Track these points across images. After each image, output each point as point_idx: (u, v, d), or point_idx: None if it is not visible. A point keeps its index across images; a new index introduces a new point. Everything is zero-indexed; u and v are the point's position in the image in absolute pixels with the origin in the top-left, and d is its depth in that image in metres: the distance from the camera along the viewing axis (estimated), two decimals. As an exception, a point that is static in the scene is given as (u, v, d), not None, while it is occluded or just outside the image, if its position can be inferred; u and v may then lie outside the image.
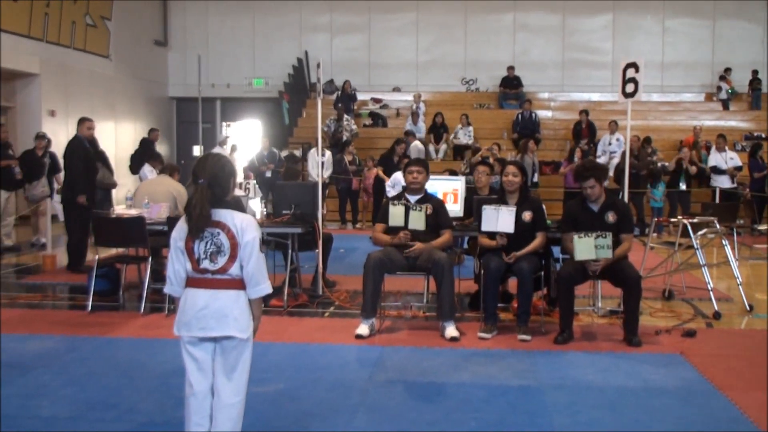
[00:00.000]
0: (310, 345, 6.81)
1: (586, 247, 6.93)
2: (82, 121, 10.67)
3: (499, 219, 7.30)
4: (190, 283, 3.94)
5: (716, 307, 8.17)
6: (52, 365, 6.13)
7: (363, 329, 7.09)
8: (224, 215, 3.91)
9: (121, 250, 9.05)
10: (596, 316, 8.08)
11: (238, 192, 9.12)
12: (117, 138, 21.45)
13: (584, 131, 19.94)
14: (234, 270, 3.89)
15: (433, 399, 5.41)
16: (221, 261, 3.88)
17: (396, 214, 7.42)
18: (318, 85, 9.12)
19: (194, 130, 23.60)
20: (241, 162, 19.27)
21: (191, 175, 4.01)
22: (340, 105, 20.52)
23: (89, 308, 8.14)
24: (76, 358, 6.35)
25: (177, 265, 3.95)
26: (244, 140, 21.78)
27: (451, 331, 7.04)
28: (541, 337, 7.12)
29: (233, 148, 20.05)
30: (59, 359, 6.31)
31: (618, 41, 23.47)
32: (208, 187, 3.87)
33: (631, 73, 8.37)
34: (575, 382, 5.81)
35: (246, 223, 3.92)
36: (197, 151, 22.58)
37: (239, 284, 3.93)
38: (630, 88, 8.39)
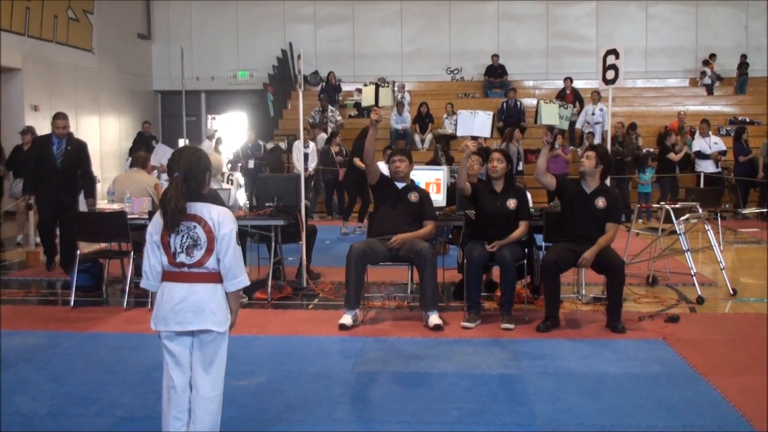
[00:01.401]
0: (293, 337, 6.80)
1: (551, 112, 7.06)
2: (53, 119, 10.06)
3: (476, 122, 7.29)
4: (167, 277, 3.92)
5: (699, 292, 8.18)
6: (33, 361, 6.10)
7: (346, 320, 7.07)
8: (200, 208, 3.89)
9: (103, 245, 9.00)
10: (580, 303, 8.10)
11: (224, 185, 9.09)
12: (101, 132, 21.35)
13: (569, 98, 19.93)
14: (211, 263, 3.88)
15: (416, 389, 5.41)
16: (198, 254, 3.87)
17: (367, 94, 7.43)
18: (299, 77, 9.12)
19: (180, 123, 23.43)
20: (226, 154, 19.22)
21: (167, 168, 3.99)
22: (323, 95, 20.46)
23: (72, 303, 8.12)
24: (58, 354, 6.33)
25: (153, 259, 3.93)
26: (230, 133, 21.70)
27: (434, 319, 7.04)
28: (524, 326, 7.12)
29: (218, 141, 19.97)
30: (40, 355, 6.28)
31: (602, 28, 23.44)
32: (183, 180, 3.85)
33: (611, 59, 8.38)
34: (557, 369, 5.82)
35: (222, 216, 3.91)
36: (183, 144, 22.50)
37: (216, 278, 3.92)
38: (611, 74, 8.40)
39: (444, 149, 16.57)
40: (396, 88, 7.50)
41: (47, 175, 9.77)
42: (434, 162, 14.51)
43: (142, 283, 4.02)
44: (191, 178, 3.87)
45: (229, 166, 18.35)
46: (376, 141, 7.38)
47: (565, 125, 7.28)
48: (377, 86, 7.30)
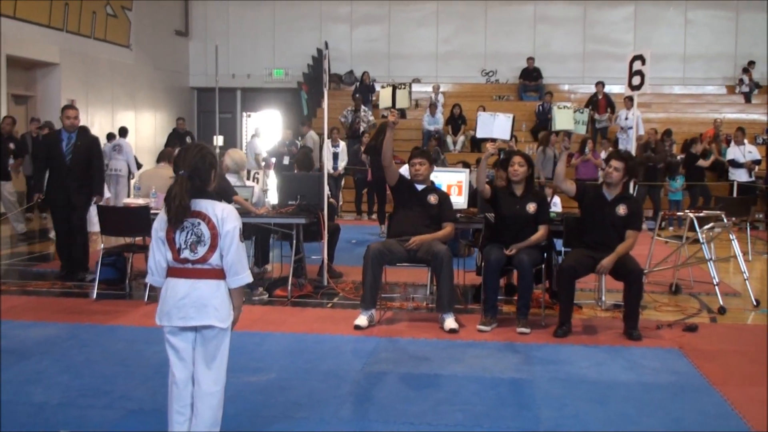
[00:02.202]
0: (307, 335, 6.85)
1: (566, 117, 7.01)
2: (63, 110, 9.47)
3: (495, 124, 7.28)
4: (171, 273, 3.98)
5: (721, 302, 8.11)
6: (50, 352, 6.19)
7: (362, 320, 7.10)
8: (205, 205, 3.94)
9: (128, 239, 9.10)
10: (599, 309, 8.06)
11: (248, 183, 9.15)
12: (137, 128, 21.59)
13: (601, 102, 19.83)
14: (214, 260, 3.92)
15: (423, 390, 5.42)
16: (201, 251, 3.91)
17: (384, 96, 7.49)
18: (325, 76, 9.16)
19: (215, 120, 23.75)
20: (263, 147, 19.41)
21: (173, 165, 4.03)
22: (357, 95, 20.51)
23: (95, 296, 8.23)
24: (75, 345, 6.42)
25: (158, 255, 3.99)
26: (264, 130, 21.91)
27: (450, 323, 7.05)
28: (540, 330, 7.11)
29: (256, 133, 20.24)
30: (58, 346, 6.38)
31: (639, 33, 23.27)
32: (188, 178, 3.89)
33: (638, 65, 8.33)
34: (568, 375, 5.80)
35: (226, 213, 3.95)
36: (219, 141, 22.69)
37: (219, 274, 3.96)
38: (636, 80, 8.35)
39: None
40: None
41: (57, 173, 9.24)
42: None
43: (147, 278, 4.09)
44: (196, 175, 3.91)
45: (263, 163, 18.54)
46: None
47: (582, 129, 7.24)
48: (394, 88, 7.33)
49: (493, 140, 7.42)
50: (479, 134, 7.51)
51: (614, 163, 7.15)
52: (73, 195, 9.18)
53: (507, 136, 7.29)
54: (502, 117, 7.25)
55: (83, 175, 9.26)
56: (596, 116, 19.62)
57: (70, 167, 9.16)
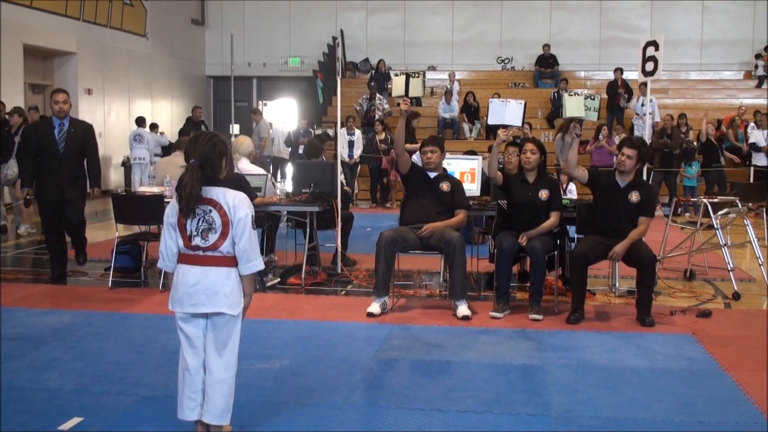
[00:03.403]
0: (321, 322, 6.87)
1: (576, 104, 6.99)
2: (52, 94, 8.63)
3: (507, 111, 7.26)
4: (182, 259, 4.01)
5: (736, 288, 8.09)
6: (65, 339, 6.25)
7: (374, 307, 7.12)
8: (216, 193, 3.96)
9: (143, 227, 9.14)
10: (613, 296, 8.05)
11: (258, 170, 9.17)
12: (153, 117, 21.59)
13: (621, 86, 19.77)
14: (225, 247, 3.95)
15: (435, 377, 5.45)
16: (212, 238, 3.94)
17: (397, 84, 7.48)
18: (338, 65, 9.17)
19: (231, 108, 23.79)
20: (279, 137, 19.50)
21: (184, 154, 4.04)
22: (373, 84, 20.49)
23: (110, 284, 8.29)
24: (90, 333, 6.48)
25: (169, 241, 4.02)
26: (279, 119, 21.95)
27: (462, 310, 7.06)
28: (553, 317, 7.11)
29: (270, 125, 20.32)
30: (73, 333, 6.44)
31: (656, 19, 23.13)
32: (199, 167, 3.91)
33: (651, 51, 8.28)
34: (580, 361, 5.80)
35: (238, 200, 3.97)
36: (234, 129, 22.74)
37: (231, 261, 3.99)
38: (650, 66, 8.30)
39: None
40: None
41: (48, 164, 8.38)
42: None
43: (159, 263, 4.13)
44: (207, 164, 3.92)
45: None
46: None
47: (593, 116, 7.19)
48: (408, 76, 7.32)
49: (505, 127, 7.40)
50: (491, 121, 7.50)
51: (626, 150, 7.12)
52: (66, 188, 8.42)
53: (519, 123, 7.27)
54: (513, 103, 7.23)
55: (78, 165, 8.56)
56: (622, 103, 19.53)
57: (63, 157, 8.39)
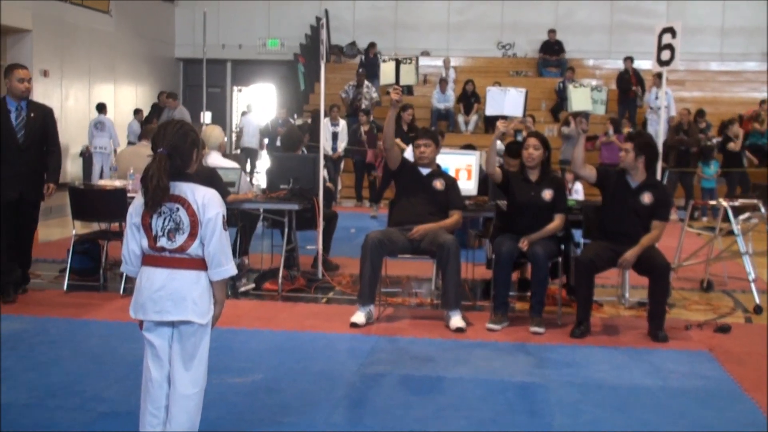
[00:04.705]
0: (299, 333, 6.86)
1: (582, 96, 7.01)
2: (10, 70, 7.71)
3: (506, 100, 7.27)
4: (147, 261, 3.97)
5: (758, 301, 8.11)
6: (17, 348, 6.20)
7: (359, 317, 7.10)
8: (185, 189, 3.92)
9: (103, 225, 9.09)
10: (623, 307, 8.06)
11: (230, 163, 9.14)
12: (116, 102, 21.60)
13: (631, 80, 19.81)
14: (194, 249, 3.91)
15: (425, 394, 5.45)
16: (179, 239, 3.90)
17: (386, 71, 7.46)
18: (322, 48, 9.18)
19: (202, 94, 23.75)
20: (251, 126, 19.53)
21: (150, 143, 4.01)
22: (361, 70, 20.45)
23: (65, 288, 8.25)
24: (44, 341, 6.44)
25: (132, 243, 3.97)
26: (257, 107, 21.94)
27: (456, 321, 7.05)
28: (556, 330, 7.12)
29: (248, 109, 20.32)
30: (26, 342, 6.39)
31: (673, 3, 23.14)
32: (168, 157, 3.88)
33: (667, 38, 8.30)
34: (585, 379, 5.81)
35: (208, 198, 3.93)
36: (205, 118, 22.71)
37: (200, 264, 3.95)
38: (666, 55, 8.32)
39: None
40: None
41: (5, 157, 7.55)
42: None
43: (122, 268, 4.11)
44: (176, 154, 3.88)
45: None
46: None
47: (600, 110, 7.20)
48: (398, 62, 7.31)
49: (505, 118, 7.40)
50: (489, 111, 7.50)
51: (623, 146, 7.19)
52: (24, 186, 7.66)
53: (519, 113, 7.27)
54: (513, 92, 7.23)
55: (37, 157, 7.77)
56: (638, 102, 19.61)
57: (23, 148, 7.63)
